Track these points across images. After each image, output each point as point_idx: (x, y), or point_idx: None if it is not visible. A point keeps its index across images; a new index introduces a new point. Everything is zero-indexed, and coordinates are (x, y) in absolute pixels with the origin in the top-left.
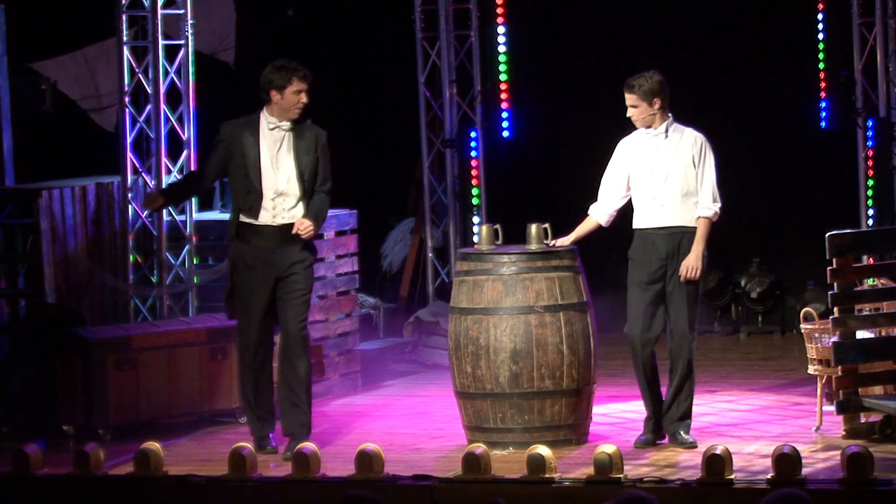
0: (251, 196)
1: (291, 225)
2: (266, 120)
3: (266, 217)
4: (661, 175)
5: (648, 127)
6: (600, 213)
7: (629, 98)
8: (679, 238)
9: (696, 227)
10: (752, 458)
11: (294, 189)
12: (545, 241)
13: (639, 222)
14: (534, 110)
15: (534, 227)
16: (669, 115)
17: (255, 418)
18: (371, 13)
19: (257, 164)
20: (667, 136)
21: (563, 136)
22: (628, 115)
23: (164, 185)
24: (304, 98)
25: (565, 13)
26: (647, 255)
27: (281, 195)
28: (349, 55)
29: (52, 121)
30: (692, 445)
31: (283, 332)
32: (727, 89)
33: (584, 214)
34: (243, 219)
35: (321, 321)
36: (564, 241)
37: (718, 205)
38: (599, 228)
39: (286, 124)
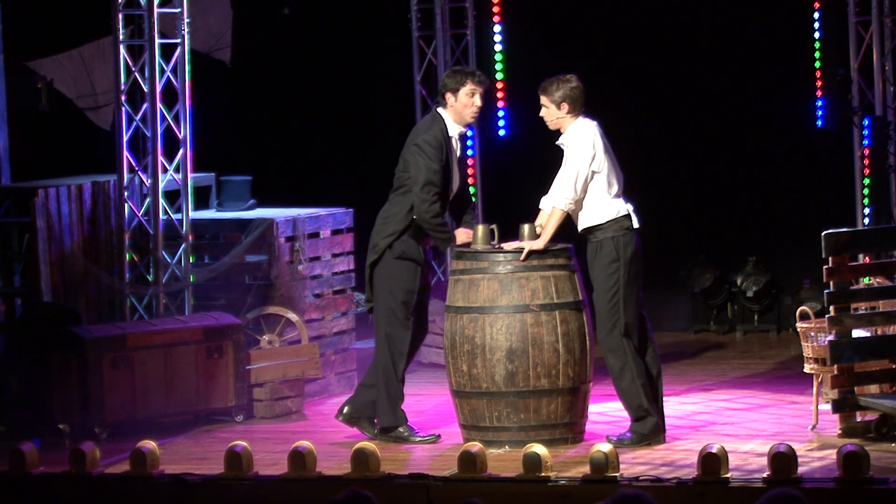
0: (443, 199)
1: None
2: (449, 125)
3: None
4: None
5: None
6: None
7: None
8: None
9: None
10: (747, 456)
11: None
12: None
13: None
14: (530, 109)
15: (526, 227)
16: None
17: None
18: (367, 12)
19: (451, 169)
20: None
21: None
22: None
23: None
24: (478, 101)
25: (561, 12)
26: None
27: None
28: (345, 54)
29: (49, 119)
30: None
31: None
32: (723, 88)
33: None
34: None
35: (317, 320)
36: None
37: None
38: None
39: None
